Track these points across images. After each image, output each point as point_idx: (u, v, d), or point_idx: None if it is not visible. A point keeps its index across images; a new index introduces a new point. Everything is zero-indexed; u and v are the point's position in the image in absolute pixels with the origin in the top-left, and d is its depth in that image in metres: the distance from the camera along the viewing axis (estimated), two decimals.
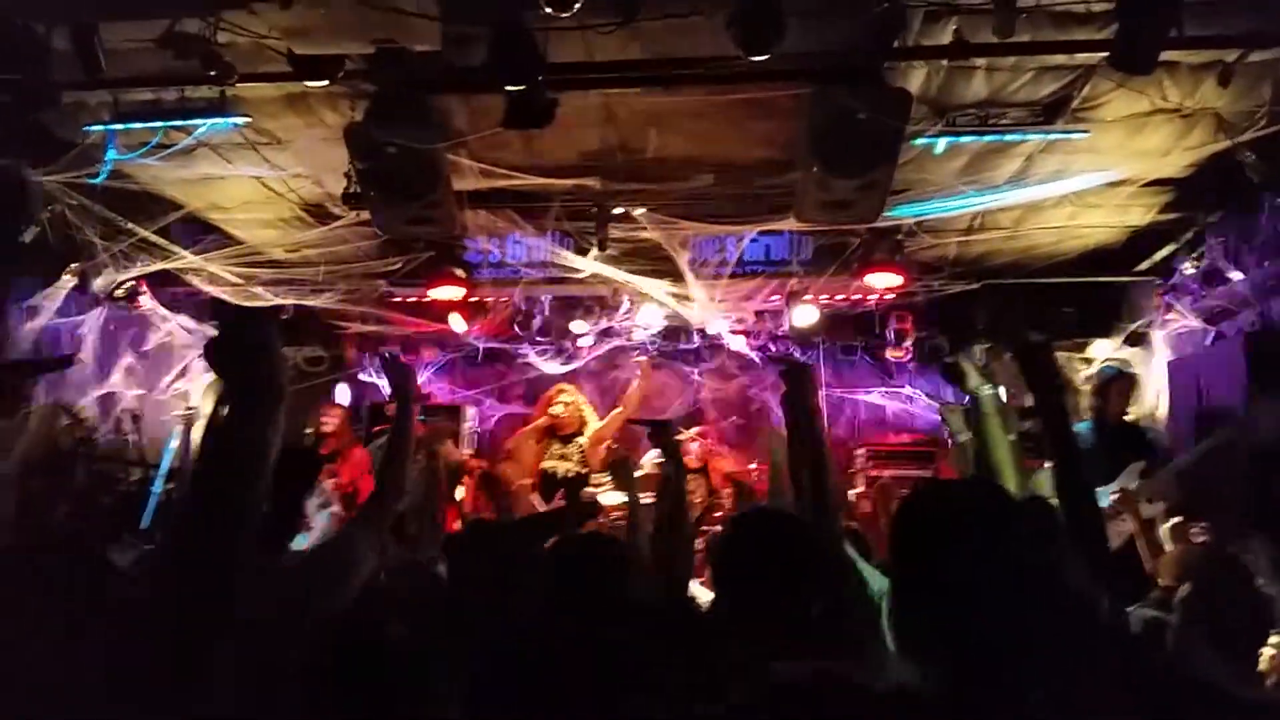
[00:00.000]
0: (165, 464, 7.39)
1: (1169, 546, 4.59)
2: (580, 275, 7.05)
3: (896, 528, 1.67)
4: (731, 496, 7.60)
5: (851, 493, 7.80)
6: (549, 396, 7.62)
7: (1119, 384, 6.08)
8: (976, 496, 1.69)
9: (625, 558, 2.68)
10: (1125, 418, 6.27)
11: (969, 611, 1.48)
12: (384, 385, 9.10)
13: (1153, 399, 7.55)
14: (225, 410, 1.96)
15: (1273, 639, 2.95)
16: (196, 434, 7.85)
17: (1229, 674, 2.55)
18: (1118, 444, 5.82)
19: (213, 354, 1.94)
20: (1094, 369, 6.61)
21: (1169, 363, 7.28)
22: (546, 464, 7.43)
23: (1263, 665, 2.82)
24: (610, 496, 8.19)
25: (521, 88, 4.27)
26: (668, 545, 2.89)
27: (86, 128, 5.25)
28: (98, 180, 5.56)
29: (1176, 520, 4.92)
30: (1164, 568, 3.77)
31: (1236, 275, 6.24)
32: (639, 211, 6.38)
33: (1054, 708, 1.43)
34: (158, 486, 7.08)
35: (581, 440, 7.47)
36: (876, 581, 3.09)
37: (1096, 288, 7.67)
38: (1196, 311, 6.83)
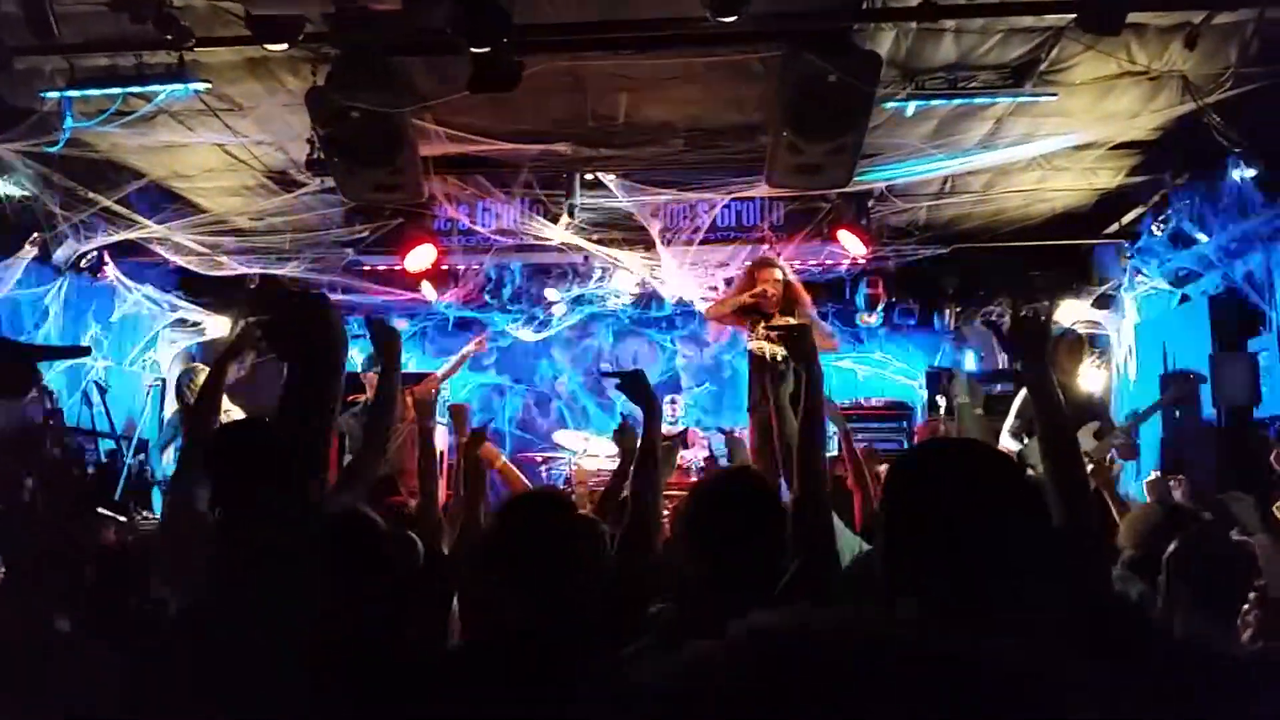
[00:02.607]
0: (136, 435, 7.31)
1: (1148, 501, 4.66)
2: (552, 242, 7.01)
3: (897, 484, 1.67)
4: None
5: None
6: (752, 272, 6.26)
7: (1067, 344, 6.13)
8: (982, 456, 1.69)
9: (574, 520, 2.66)
10: (1075, 378, 6.33)
11: (969, 565, 1.49)
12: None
13: (1121, 360, 7.65)
14: (289, 378, 2.04)
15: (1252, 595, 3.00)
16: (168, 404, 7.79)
17: (1215, 631, 2.58)
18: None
19: (273, 334, 2.04)
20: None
21: (1136, 325, 7.36)
22: (753, 345, 6.06)
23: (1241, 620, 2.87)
24: (590, 462, 8.21)
25: (487, 50, 4.20)
26: (641, 505, 2.85)
27: (43, 94, 5.12)
28: (56, 149, 5.44)
29: (1154, 475, 5.00)
30: (1127, 526, 3.81)
31: (1202, 238, 6.29)
32: (609, 178, 6.33)
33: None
34: (129, 458, 7.01)
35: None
36: (845, 540, 3.11)
37: (1065, 250, 7.72)
38: (1163, 274, 6.89)
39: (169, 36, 4.26)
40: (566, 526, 2.57)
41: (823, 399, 2.77)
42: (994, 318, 8.14)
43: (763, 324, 5.97)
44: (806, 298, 5.98)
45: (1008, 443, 6.03)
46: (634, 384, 3.11)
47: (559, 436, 8.64)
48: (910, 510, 1.61)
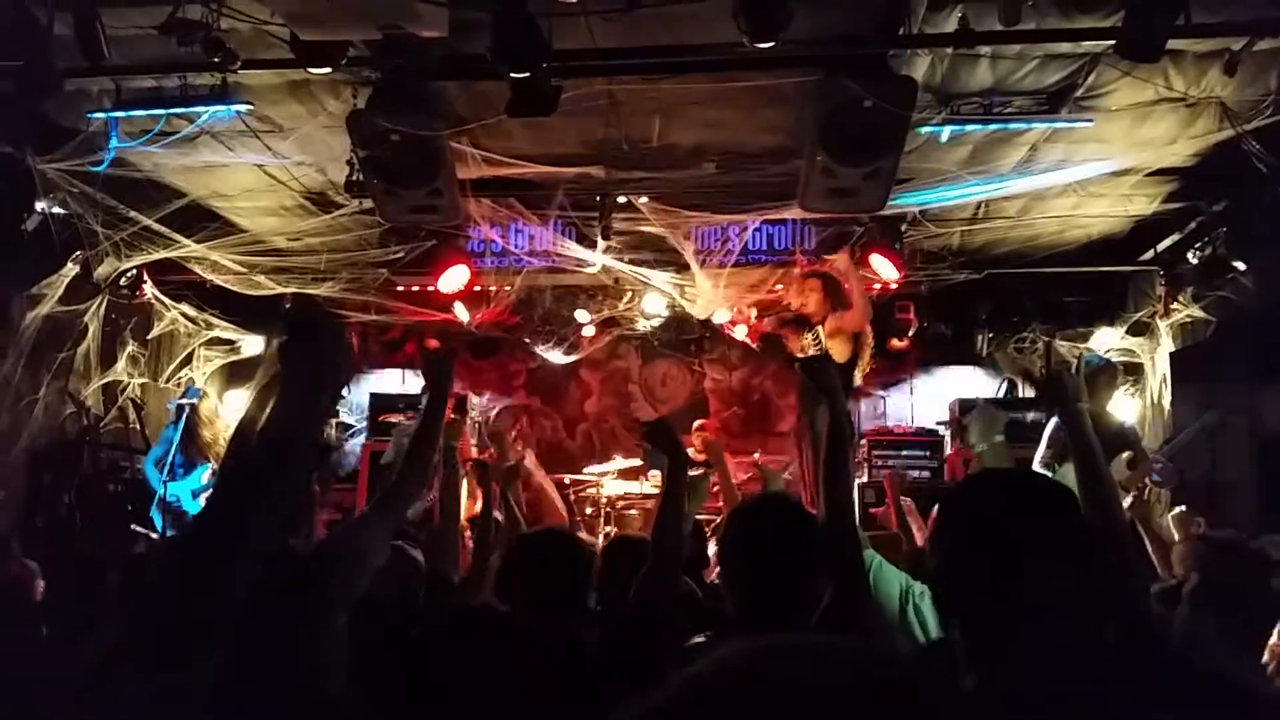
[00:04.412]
0: (170, 453, 7.37)
1: (1176, 536, 4.60)
2: (584, 265, 7.04)
3: (948, 518, 1.67)
4: (759, 483, 7.51)
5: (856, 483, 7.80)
6: (789, 288, 6.54)
7: (1106, 375, 6.09)
8: (1040, 487, 1.69)
9: (586, 555, 2.65)
10: (1107, 407, 6.28)
11: (1018, 597, 1.48)
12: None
13: (1156, 387, 7.56)
14: (280, 399, 2.05)
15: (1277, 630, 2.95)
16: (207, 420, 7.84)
17: (1236, 665, 2.54)
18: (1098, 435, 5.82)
19: (288, 354, 2.05)
20: (1083, 356, 6.58)
21: (1172, 353, 7.28)
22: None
23: (1265, 656, 2.82)
24: (616, 485, 8.21)
25: (525, 75, 4.25)
26: (663, 540, 2.86)
27: (89, 115, 5.23)
28: (100, 168, 5.55)
29: (1180, 510, 4.94)
30: (1177, 560, 3.78)
31: (1240, 265, 6.23)
32: (642, 200, 6.36)
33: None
34: (159, 474, 7.06)
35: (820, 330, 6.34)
36: (896, 582, 3.09)
37: (1100, 277, 7.67)
38: (1200, 301, 6.83)
39: (215, 59, 4.34)
40: (573, 564, 2.58)
41: (844, 427, 2.77)
42: (1032, 365, 8.04)
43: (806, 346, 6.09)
44: (854, 305, 5.97)
45: (1039, 471, 5.97)
46: (660, 433, 3.11)
47: (588, 467, 8.65)
48: (960, 544, 1.61)
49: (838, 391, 2.88)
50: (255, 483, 2.04)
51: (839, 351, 6.02)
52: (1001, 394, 8.69)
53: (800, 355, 6.28)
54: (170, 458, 7.00)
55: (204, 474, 7.13)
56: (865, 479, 7.99)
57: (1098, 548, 1.64)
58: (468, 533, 4.94)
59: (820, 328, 6.08)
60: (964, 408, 8.00)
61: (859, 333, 6.11)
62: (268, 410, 2.14)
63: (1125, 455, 5.69)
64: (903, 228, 6.78)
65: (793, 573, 2.28)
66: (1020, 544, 1.52)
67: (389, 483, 2.90)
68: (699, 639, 2.58)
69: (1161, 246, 7.13)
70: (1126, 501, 5.11)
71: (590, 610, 2.73)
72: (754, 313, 7.31)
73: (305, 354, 2.06)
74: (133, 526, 6.71)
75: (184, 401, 7.57)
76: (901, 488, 5.11)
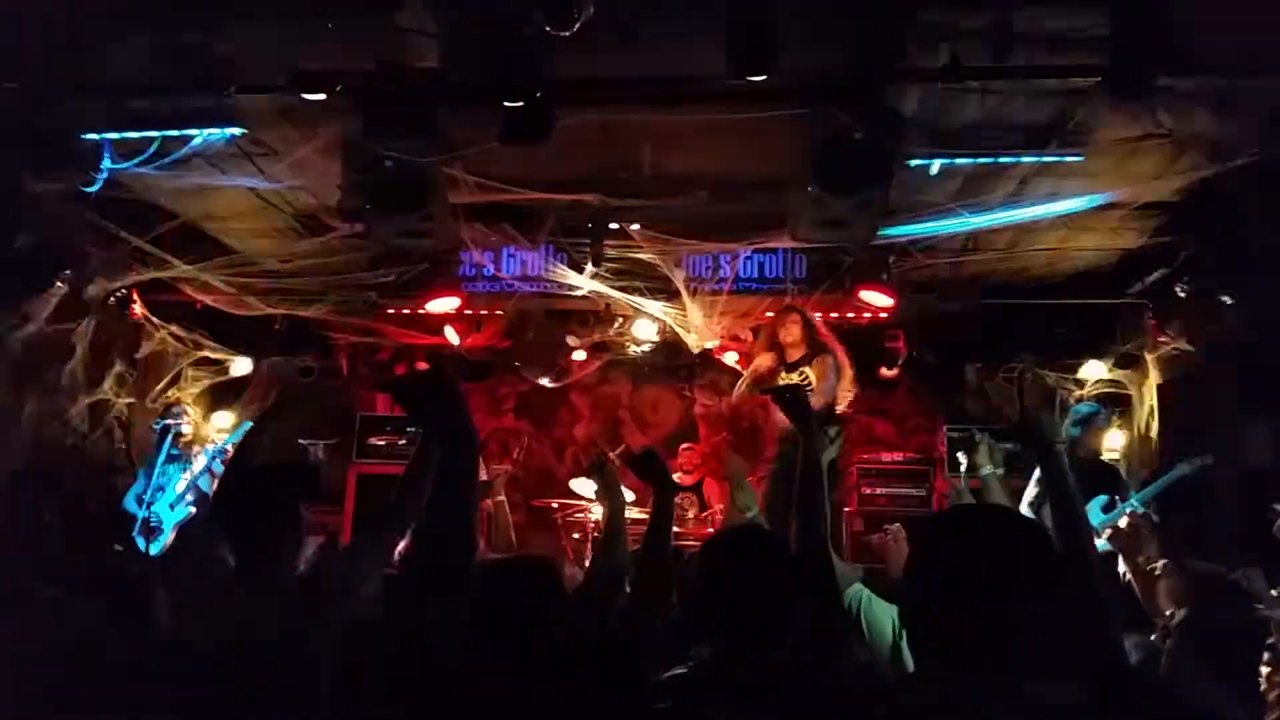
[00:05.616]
0: (151, 483, 7.30)
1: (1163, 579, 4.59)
2: (575, 290, 7.05)
3: (923, 551, 1.68)
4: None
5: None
6: (774, 324, 6.56)
7: (1097, 422, 6.13)
8: (1014, 524, 1.70)
9: (553, 583, 2.59)
10: (1098, 455, 6.32)
11: (989, 633, 1.49)
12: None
13: (1144, 420, 7.58)
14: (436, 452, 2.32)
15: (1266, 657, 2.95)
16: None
17: (1226, 698, 2.54)
18: (1087, 480, 5.82)
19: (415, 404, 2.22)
20: (1073, 407, 6.54)
21: (1159, 385, 7.31)
22: None
23: (1263, 685, 2.82)
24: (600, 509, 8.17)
25: (519, 104, 4.28)
26: (649, 574, 2.84)
27: (82, 135, 5.23)
28: (93, 189, 5.54)
29: (1165, 557, 4.93)
30: (1163, 595, 3.78)
31: (1227, 299, 6.27)
32: (634, 227, 6.39)
33: None
34: (139, 508, 6.98)
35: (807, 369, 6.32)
36: (888, 616, 3.09)
37: (1088, 310, 7.70)
38: (1187, 334, 6.86)
39: (210, 84, 4.36)
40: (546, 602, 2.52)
41: (816, 458, 2.77)
42: (1010, 401, 8.06)
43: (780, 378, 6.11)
44: (835, 346, 6.00)
45: (1025, 512, 5.96)
46: (646, 464, 3.08)
47: (575, 484, 8.61)
48: (934, 578, 1.62)
49: (810, 424, 2.89)
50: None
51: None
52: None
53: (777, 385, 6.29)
54: (152, 485, 6.94)
55: (178, 483, 7.06)
56: (854, 507, 7.99)
57: (1072, 586, 1.65)
58: None
59: (809, 369, 6.10)
60: (953, 436, 8.01)
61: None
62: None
63: (1100, 499, 5.70)
64: (891, 259, 6.82)
65: (763, 602, 2.28)
66: (995, 581, 1.53)
67: (381, 512, 2.82)
68: (678, 670, 2.56)
69: (1150, 279, 7.16)
70: (1106, 533, 5.13)
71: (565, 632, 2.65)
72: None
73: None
74: (115, 546, 6.65)
75: (168, 422, 7.53)
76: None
